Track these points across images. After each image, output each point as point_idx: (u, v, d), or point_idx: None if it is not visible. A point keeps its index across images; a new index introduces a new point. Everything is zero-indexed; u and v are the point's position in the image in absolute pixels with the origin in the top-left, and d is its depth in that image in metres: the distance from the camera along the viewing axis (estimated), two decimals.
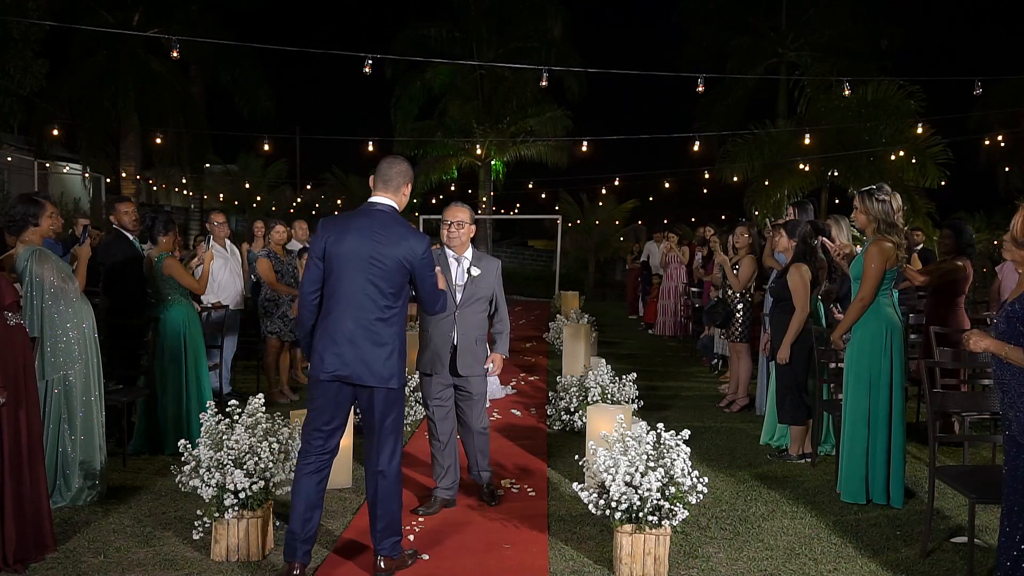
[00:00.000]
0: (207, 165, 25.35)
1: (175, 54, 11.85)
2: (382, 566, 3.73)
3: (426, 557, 3.99)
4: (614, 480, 3.71)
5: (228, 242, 7.72)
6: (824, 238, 5.67)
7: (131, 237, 6.19)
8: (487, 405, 5.05)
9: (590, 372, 6.44)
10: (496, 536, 4.26)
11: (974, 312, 7.55)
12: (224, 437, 3.90)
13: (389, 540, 3.74)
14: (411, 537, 4.19)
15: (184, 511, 4.47)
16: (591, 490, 3.84)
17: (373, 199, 3.76)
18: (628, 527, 3.73)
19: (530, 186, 27.85)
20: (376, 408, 3.65)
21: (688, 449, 3.81)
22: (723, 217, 26.87)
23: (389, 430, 3.70)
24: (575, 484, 4.07)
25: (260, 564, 3.88)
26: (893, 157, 17.72)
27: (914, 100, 17.82)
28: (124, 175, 19.83)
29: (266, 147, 19.48)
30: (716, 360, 9.54)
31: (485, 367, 4.68)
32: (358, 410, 3.91)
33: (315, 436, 3.67)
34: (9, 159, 19.70)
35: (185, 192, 27.40)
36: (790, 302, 5.68)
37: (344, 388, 3.65)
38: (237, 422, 3.98)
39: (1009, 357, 3.19)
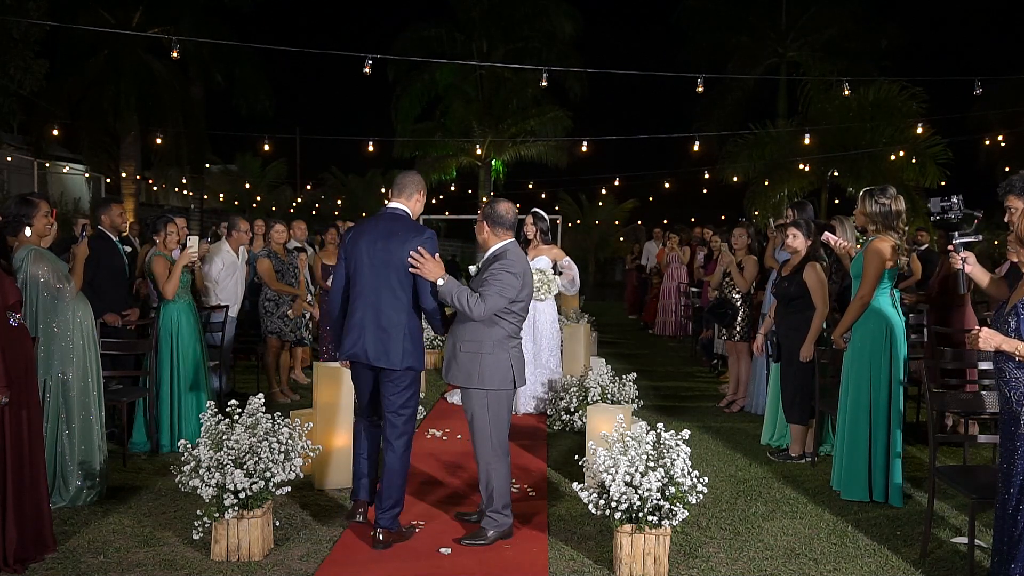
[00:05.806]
0: (207, 165, 25.31)
1: (175, 54, 11.85)
2: (380, 538, 4.01)
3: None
4: (614, 480, 3.70)
5: (243, 248, 7.61)
6: (828, 233, 5.67)
7: (114, 239, 6.11)
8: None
9: (590, 372, 6.44)
10: None
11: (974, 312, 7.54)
12: (224, 437, 3.90)
13: (389, 513, 4.02)
14: None
15: (184, 511, 4.47)
16: (591, 490, 3.83)
17: (386, 204, 4.18)
18: (628, 527, 3.73)
19: (530, 186, 27.84)
20: (388, 387, 4.03)
21: (688, 449, 3.81)
22: (723, 217, 26.85)
23: (400, 409, 4.05)
24: (575, 484, 4.07)
25: (260, 564, 3.87)
26: (893, 157, 17.73)
27: (915, 101, 17.82)
28: (124, 175, 19.81)
29: (266, 147, 19.45)
30: (716, 360, 9.54)
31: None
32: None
33: (363, 408, 4.25)
34: (9, 159, 19.65)
35: (185, 192, 27.37)
36: (802, 301, 5.66)
37: (365, 370, 4.10)
38: (237, 422, 3.98)
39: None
